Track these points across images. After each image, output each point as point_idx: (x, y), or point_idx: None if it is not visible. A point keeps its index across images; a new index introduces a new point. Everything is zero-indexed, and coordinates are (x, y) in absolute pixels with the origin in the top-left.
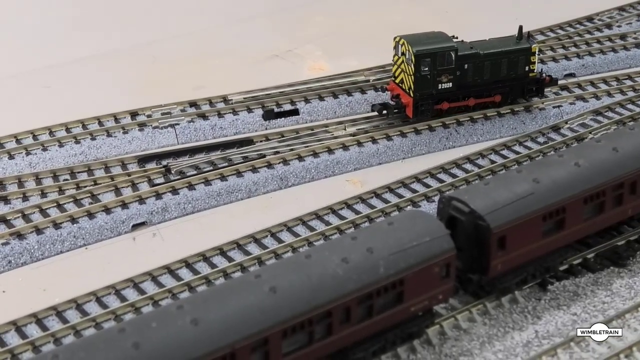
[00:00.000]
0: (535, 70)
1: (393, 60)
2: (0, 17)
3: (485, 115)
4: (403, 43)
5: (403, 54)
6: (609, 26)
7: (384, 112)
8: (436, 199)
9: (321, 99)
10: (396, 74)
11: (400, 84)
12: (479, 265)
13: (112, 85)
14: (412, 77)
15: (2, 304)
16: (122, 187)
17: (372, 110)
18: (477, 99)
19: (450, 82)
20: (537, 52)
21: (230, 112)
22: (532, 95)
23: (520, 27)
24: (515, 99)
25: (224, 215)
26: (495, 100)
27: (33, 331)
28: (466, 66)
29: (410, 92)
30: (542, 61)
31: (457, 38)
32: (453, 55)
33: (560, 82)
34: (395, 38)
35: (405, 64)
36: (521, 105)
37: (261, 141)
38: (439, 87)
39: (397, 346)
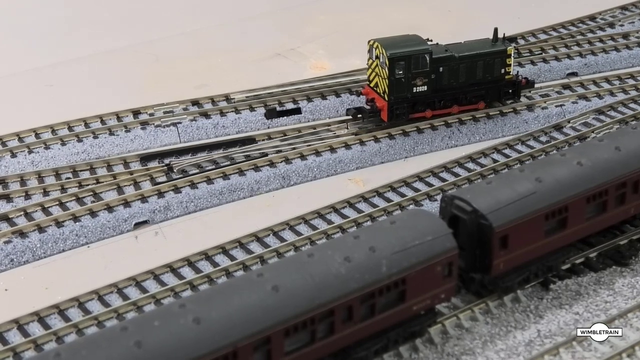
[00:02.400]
0: (511, 73)
1: (367, 63)
2: (2, 15)
3: (487, 114)
4: (377, 46)
5: (377, 57)
6: (611, 25)
7: (359, 116)
8: (438, 198)
9: (323, 97)
10: (371, 78)
11: (375, 88)
12: (482, 264)
13: (114, 84)
14: (387, 80)
15: (4, 303)
16: (125, 186)
17: (347, 114)
18: (461, 105)
19: (425, 85)
20: (512, 55)
21: (232, 111)
22: (509, 97)
23: (496, 29)
24: (492, 101)
25: (226, 214)
26: (478, 107)
27: (35, 329)
28: (441, 69)
29: (385, 95)
30: (544, 60)
31: (431, 41)
32: (427, 58)
33: (562, 81)
34: (369, 41)
35: (380, 67)
36: (523, 104)
37: (263, 140)
38: (414, 91)
39: (400, 345)
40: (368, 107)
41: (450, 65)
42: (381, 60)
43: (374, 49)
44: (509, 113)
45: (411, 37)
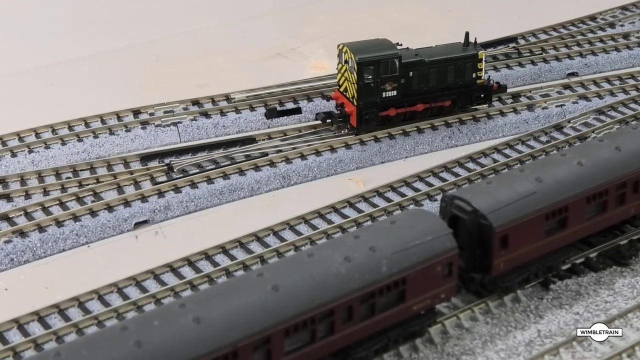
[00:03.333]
0: (482, 77)
1: (337, 68)
2: (3, 14)
3: (487, 114)
4: (346, 51)
5: (346, 62)
6: (612, 25)
7: (328, 120)
8: (439, 197)
9: (324, 97)
10: (340, 83)
11: (344, 93)
12: (482, 264)
13: (114, 84)
14: (355, 85)
15: (5, 302)
16: (125, 186)
17: (316, 119)
18: (425, 103)
19: (395, 90)
20: (484, 59)
21: (232, 111)
22: (481, 102)
23: (467, 34)
24: (464, 106)
25: (227, 214)
26: (445, 105)
27: (35, 329)
28: (411, 74)
29: (354, 100)
30: (544, 60)
31: (401, 45)
32: (397, 63)
33: (563, 81)
34: (338, 46)
35: (349, 72)
36: (524, 104)
37: (264, 140)
38: (383, 96)
39: (400, 345)
40: (338, 112)
41: (420, 69)
42: (350, 65)
43: (343, 54)
44: (509, 113)
45: (380, 42)
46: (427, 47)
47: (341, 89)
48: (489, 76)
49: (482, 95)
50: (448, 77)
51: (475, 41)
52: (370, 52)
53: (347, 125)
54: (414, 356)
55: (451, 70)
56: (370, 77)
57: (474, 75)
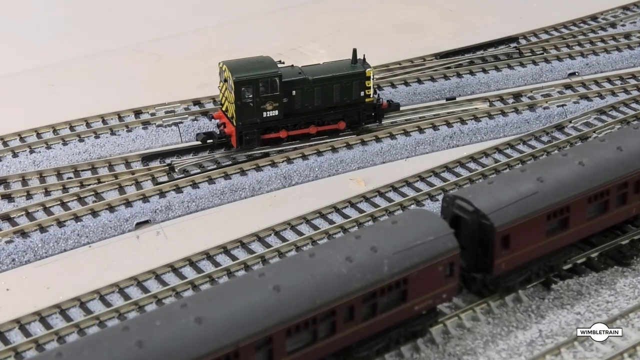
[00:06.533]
0: (371, 95)
1: (218, 87)
2: (4, 14)
3: (489, 114)
4: (225, 69)
5: (226, 80)
6: (613, 25)
7: (209, 141)
8: (440, 197)
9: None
10: (222, 102)
11: (226, 112)
12: (483, 264)
13: (115, 84)
14: (234, 105)
15: (6, 302)
16: (126, 186)
17: (197, 139)
18: (319, 126)
19: (277, 109)
20: (372, 77)
21: None
22: (370, 121)
23: (354, 50)
24: (353, 125)
25: (228, 214)
26: (339, 127)
27: (37, 329)
28: (294, 92)
29: (233, 121)
30: (546, 60)
31: (283, 63)
32: (277, 82)
33: (564, 80)
34: (219, 64)
35: (228, 91)
36: (525, 104)
37: None
38: (264, 116)
39: (401, 345)
40: (219, 133)
41: (303, 88)
42: (229, 83)
43: (222, 72)
44: (511, 113)
45: (261, 60)
46: (312, 65)
47: (223, 108)
48: (379, 95)
49: (373, 114)
50: (334, 96)
51: (364, 58)
52: (248, 71)
53: (229, 145)
54: (416, 356)
55: (337, 88)
56: (250, 96)
57: (361, 93)
